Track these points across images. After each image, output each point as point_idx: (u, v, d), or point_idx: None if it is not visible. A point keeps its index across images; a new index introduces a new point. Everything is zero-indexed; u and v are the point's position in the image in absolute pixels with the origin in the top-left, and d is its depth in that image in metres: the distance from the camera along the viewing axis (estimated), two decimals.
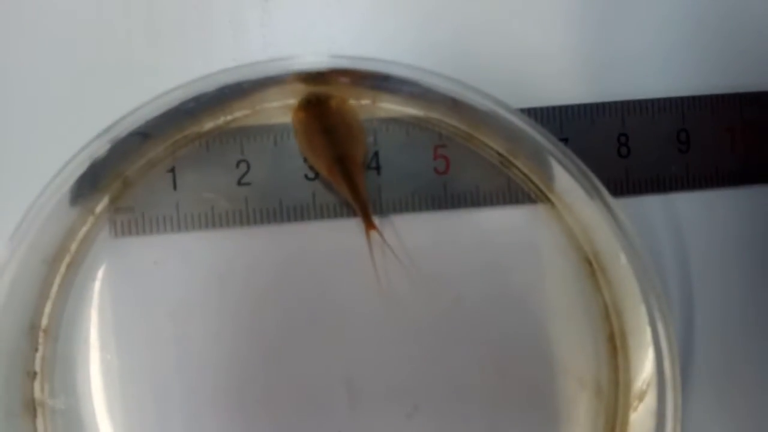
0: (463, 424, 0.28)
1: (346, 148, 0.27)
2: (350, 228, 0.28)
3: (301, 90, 0.27)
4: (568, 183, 0.27)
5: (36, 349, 0.27)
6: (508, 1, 0.30)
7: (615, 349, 0.28)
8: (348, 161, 0.27)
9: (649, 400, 0.27)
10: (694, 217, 0.30)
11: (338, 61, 0.25)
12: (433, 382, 0.28)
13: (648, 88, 0.30)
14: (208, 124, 0.28)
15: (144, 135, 0.27)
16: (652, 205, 0.30)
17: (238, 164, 0.28)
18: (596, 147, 0.30)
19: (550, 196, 0.28)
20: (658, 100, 0.30)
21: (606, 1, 0.30)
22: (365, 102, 0.28)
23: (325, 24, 0.29)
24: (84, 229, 0.27)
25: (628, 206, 0.30)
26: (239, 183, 0.28)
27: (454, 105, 0.27)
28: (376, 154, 0.28)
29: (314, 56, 0.25)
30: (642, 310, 0.27)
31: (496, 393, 0.28)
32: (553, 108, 0.29)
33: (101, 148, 0.26)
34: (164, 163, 0.28)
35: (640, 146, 0.30)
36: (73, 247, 0.27)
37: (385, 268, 0.28)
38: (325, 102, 0.27)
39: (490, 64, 0.30)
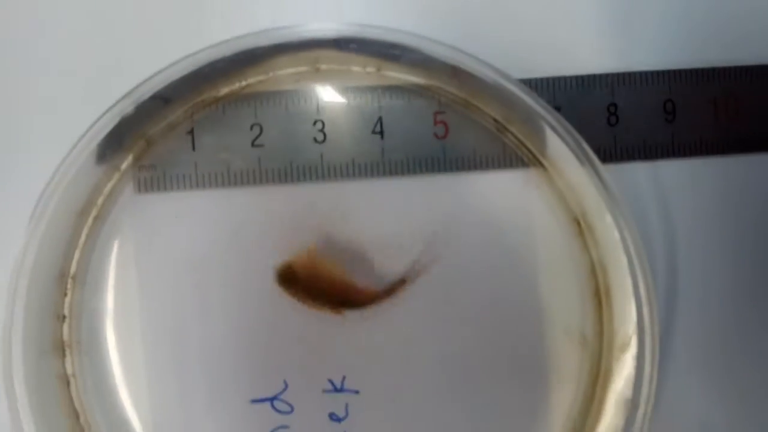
0: (454, 373, 0.30)
1: (329, 299, 0.29)
2: (355, 188, 0.30)
3: (312, 57, 0.29)
4: (559, 148, 0.29)
5: (65, 295, 0.29)
6: None
7: (600, 302, 0.30)
8: (345, 303, 0.29)
9: (632, 350, 0.29)
10: (679, 184, 0.32)
11: (346, 28, 0.27)
12: (427, 334, 0.30)
13: (637, 60, 0.32)
14: (224, 89, 0.29)
15: (165, 99, 0.29)
16: (639, 171, 0.32)
17: (251, 127, 0.30)
18: (587, 116, 0.31)
19: (542, 160, 0.30)
20: (647, 72, 0.32)
21: None
22: (370, 70, 0.30)
23: None
24: (110, 185, 0.29)
25: (617, 172, 0.31)
26: (253, 144, 0.30)
27: (454, 74, 0.29)
28: (380, 119, 0.30)
29: (322, 24, 0.27)
30: (624, 265, 0.28)
31: (487, 344, 0.30)
32: (547, 79, 0.31)
33: (126, 109, 0.28)
34: (184, 125, 0.29)
35: (629, 116, 0.32)
36: (100, 201, 0.29)
37: (385, 228, 0.30)
38: (293, 273, 0.29)
39: (487, 36, 0.31)
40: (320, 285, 0.29)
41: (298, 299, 0.29)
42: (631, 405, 0.28)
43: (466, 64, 0.28)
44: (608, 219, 0.29)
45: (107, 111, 0.28)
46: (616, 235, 0.28)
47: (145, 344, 0.29)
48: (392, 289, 0.30)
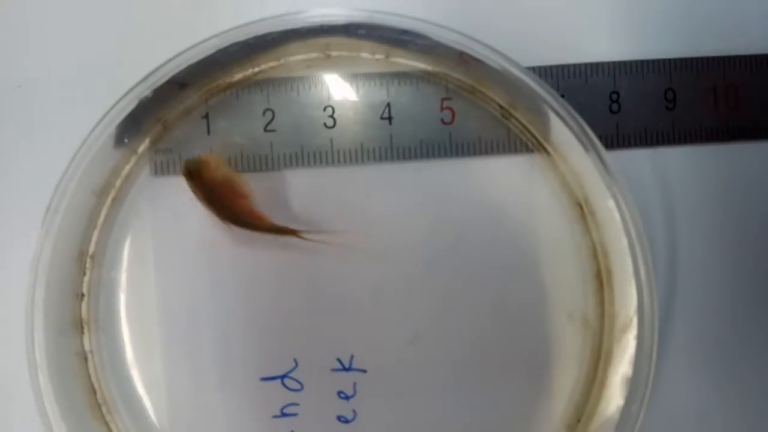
0: (459, 354, 0.31)
1: (233, 208, 0.29)
2: (364, 172, 0.31)
3: (323, 44, 0.30)
4: (563, 134, 0.30)
5: (84, 273, 0.30)
6: None
7: (601, 285, 0.31)
8: (242, 216, 0.29)
9: (632, 331, 0.30)
10: (679, 170, 0.33)
11: (356, 14, 0.28)
12: (432, 315, 0.31)
13: (639, 49, 0.32)
14: (238, 75, 0.30)
15: (181, 84, 0.29)
16: (641, 158, 0.32)
17: (264, 112, 0.31)
18: (590, 103, 0.32)
19: (546, 146, 0.31)
20: (648, 61, 0.32)
21: None
22: (379, 56, 0.31)
23: None
24: (128, 167, 0.30)
25: (619, 159, 0.32)
26: (265, 130, 0.31)
27: (461, 60, 0.30)
28: (388, 105, 0.31)
29: (332, 9, 0.28)
30: (625, 248, 0.29)
31: (491, 325, 0.31)
32: (551, 67, 0.32)
33: (143, 93, 0.28)
34: (199, 110, 0.30)
35: (630, 103, 0.32)
36: (118, 183, 0.30)
37: (393, 210, 0.31)
38: (198, 173, 0.29)
39: (492, 25, 0.32)
40: (219, 191, 0.29)
41: (195, 195, 0.29)
42: (632, 384, 0.29)
43: (473, 49, 0.29)
44: (610, 203, 0.29)
45: (125, 95, 0.29)
46: (618, 219, 0.29)
47: (159, 323, 0.30)
48: (281, 230, 0.30)
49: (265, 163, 0.31)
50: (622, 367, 0.30)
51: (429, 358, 0.31)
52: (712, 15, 0.33)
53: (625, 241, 0.29)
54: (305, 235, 0.30)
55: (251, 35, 0.28)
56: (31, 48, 0.31)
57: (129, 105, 0.28)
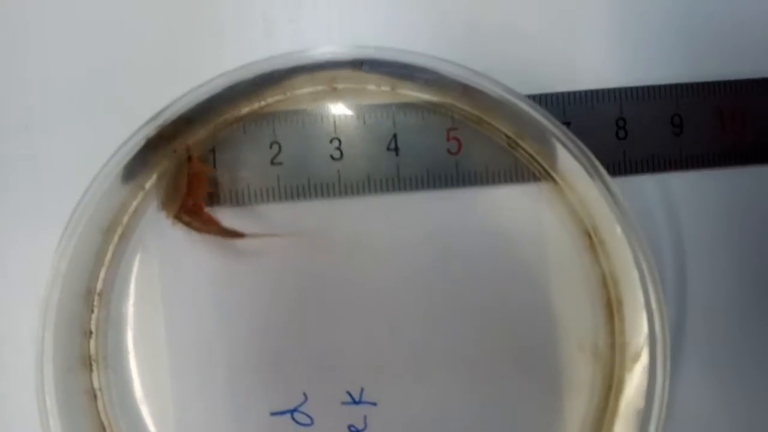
0: (470, 385, 0.31)
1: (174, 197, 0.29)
2: (372, 204, 0.31)
3: (329, 77, 0.30)
4: (570, 163, 0.30)
5: (92, 311, 0.30)
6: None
7: (612, 314, 0.30)
8: (185, 211, 0.29)
9: (643, 361, 0.30)
10: (687, 196, 0.32)
11: (360, 51, 0.28)
12: (442, 347, 0.31)
13: (644, 75, 0.32)
14: (245, 109, 0.30)
15: (188, 119, 0.29)
16: (648, 184, 0.32)
17: (271, 145, 0.31)
18: (596, 130, 0.32)
19: (553, 174, 0.31)
20: (654, 86, 0.32)
21: None
22: (385, 89, 0.30)
23: (350, 20, 0.32)
24: (135, 203, 0.30)
25: (626, 185, 0.32)
26: (272, 162, 0.31)
27: (466, 91, 0.30)
28: (394, 136, 0.31)
29: (337, 48, 0.28)
30: (635, 277, 0.29)
31: (502, 357, 0.31)
32: (556, 94, 0.32)
33: (151, 133, 0.28)
34: (205, 144, 0.30)
35: (637, 130, 0.32)
36: (125, 219, 0.30)
37: (401, 241, 0.31)
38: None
39: (498, 54, 0.32)
40: (182, 182, 0.29)
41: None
42: (644, 415, 0.29)
43: (477, 82, 0.29)
44: (619, 232, 0.29)
45: (133, 135, 0.29)
46: (627, 248, 0.29)
47: (168, 359, 0.30)
48: (229, 232, 0.30)
49: (272, 195, 0.31)
50: (634, 397, 0.30)
51: (439, 391, 0.31)
52: (717, 39, 0.33)
53: (635, 271, 0.29)
54: (251, 237, 0.30)
55: (258, 73, 0.28)
56: (35, 88, 0.31)
57: (137, 144, 0.28)
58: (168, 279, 0.30)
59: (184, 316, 0.30)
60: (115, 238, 0.30)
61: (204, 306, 0.30)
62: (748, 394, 0.32)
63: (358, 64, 0.29)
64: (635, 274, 0.29)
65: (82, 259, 0.29)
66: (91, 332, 0.30)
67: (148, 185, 0.30)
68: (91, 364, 0.30)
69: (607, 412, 0.30)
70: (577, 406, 0.31)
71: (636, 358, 0.30)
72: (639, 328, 0.30)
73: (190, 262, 0.30)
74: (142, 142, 0.28)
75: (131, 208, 0.30)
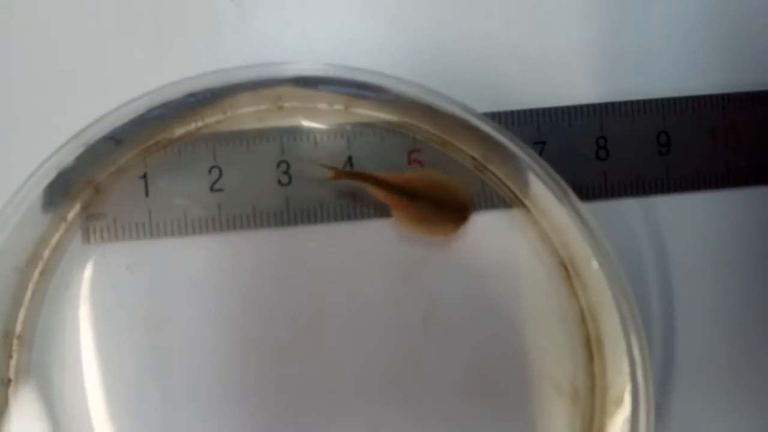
0: (441, 428, 0.28)
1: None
2: (324, 233, 0.28)
3: (274, 95, 0.27)
4: (541, 188, 0.27)
5: (10, 356, 0.27)
6: (483, 8, 0.30)
7: (591, 354, 0.28)
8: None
9: (626, 406, 0.27)
10: (674, 221, 0.30)
11: (306, 67, 0.25)
12: (410, 386, 0.28)
13: (627, 89, 0.30)
14: (179, 130, 0.28)
15: (116, 141, 0.27)
16: (632, 208, 0.30)
17: (210, 170, 0.28)
18: (574, 150, 0.29)
19: (524, 200, 0.28)
20: (638, 101, 0.30)
21: (580, 5, 0.30)
22: (338, 107, 0.28)
23: (300, 28, 0.29)
24: (56, 236, 0.27)
25: (607, 210, 0.30)
26: (212, 189, 0.28)
27: (429, 110, 0.27)
28: (349, 159, 0.28)
29: (285, 64, 0.25)
30: (615, 316, 0.26)
31: (473, 397, 0.28)
32: (531, 111, 0.29)
33: (72, 154, 0.26)
34: (136, 170, 0.28)
35: (619, 149, 0.30)
36: (46, 253, 0.27)
37: (357, 274, 0.28)
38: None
39: (470, 67, 0.29)
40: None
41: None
42: None
43: (437, 103, 0.26)
44: (594, 264, 0.27)
45: (52, 155, 0.26)
46: (604, 282, 0.27)
47: (98, 407, 0.27)
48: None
49: (212, 225, 0.28)
50: None
51: None
52: (707, 49, 0.30)
53: (613, 306, 0.27)
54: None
55: (194, 90, 0.25)
56: None
57: (55, 166, 0.26)
58: (97, 320, 0.27)
59: (115, 361, 0.28)
60: (35, 275, 0.27)
61: (138, 350, 0.28)
62: None
63: (303, 82, 0.26)
64: (615, 312, 0.27)
65: None
66: (9, 380, 0.27)
67: (70, 216, 0.27)
68: (10, 416, 0.27)
69: None
70: None
71: (618, 402, 0.27)
72: (621, 371, 0.27)
73: (122, 301, 0.28)
74: (63, 165, 0.25)
75: (53, 242, 0.27)
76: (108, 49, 0.29)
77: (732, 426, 0.30)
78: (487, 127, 0.26)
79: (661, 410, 0.29)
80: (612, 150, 0.30)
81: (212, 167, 0.28)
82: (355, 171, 0.28)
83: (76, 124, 0.26)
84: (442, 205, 0.28)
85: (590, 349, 0.28)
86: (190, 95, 0.26)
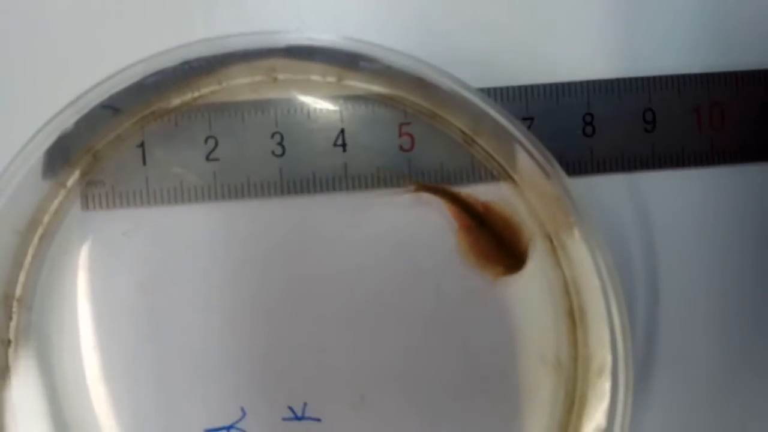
0: (422, 401, 0.29)
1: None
2: (316, 204, 0.29)
3: (268, 67, 0.28)
4: (529, 162, 0.28)
5: (10, 318, 0.28)
6: None
7: (574, 324, 0.29)
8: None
9: (607, 376, 0.27)
10: (659, 197, 0.30)
11: (298, 37, 0.26)
12: (396, 355, 0.29)
13: (614, 67, 0.30)
14: (176, 100, 0.28)
15: (114, 109, 0.27)
16: (618, 184, 0.30)
17: (206, 140, 0.28)
18: (561, 126, 0.30)
19: (512, 174, 0.29)
20: (624, 79, 0.30)
21: None
22: (331, 79, 0.28)
23: (295, 2, 0.30)
24: (56, 202, 0.28)
25: (593, 185, 0.30)
26: (208, 158, 0.28)
27: (419, 83, 0.28)
28: (341, 131, 0.29)
29: (274, 34, 0.26)
30: (596, 285, 0.27)
31: (455, 369, 0.29)
32: (519, 87, 0.30)
33: (69, 120, 0.26)
34: (134, 138, 0.28)
35: (606, 126, 0.30)
36: (46, 219, 0.28)
37: (346, 244, 0.29)
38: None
39: (458, 43, 0.30)
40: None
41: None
42: None
43: (427, 74, 0.26)
44: (577, 235, 0.27)
45: (50, 120, 0.26)
46: (587, 253, 0.27)
47: (95, 369, 0.28)
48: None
49: (207, 194, 0.28)
50: (595, 415, 0.27)
51: (388, 407, 0.29)
52: (693, 28, 0.31)
53: (596, 279, 0.27)
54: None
55: (188, 58, 0.26)
56: None
57: (54, 133, 0.26)
58: (94, 284, 0.28)
59: (111, 324, 0.28)
60: (35, 240, 0.28)
61: (134, 313, 0.28)
62: (724, 410, 0.30)
63: (297, 52, 0.26)
64: (596, 281, 0.27)
65: None
66: (9, 341, 0.28)
67: (69, 182, 0.28)
68: (10, 375, 0.28)
69: (569, 430, 0.28)
70: (538, 423, 0.29)
71: (601, 372, 0.28)
72: (603, 340, 0.28)
73: (118, 265, 0.28)
74: (60, 131, 0.26)
75: (52, 208, 0.28)
76: (107, 19, 0.29)
77: (715, 396, 0.30)
78: (477, 100, 0.26)
79: (642, 381, 0.29)
80: (599, 126, 0.30)
81: (208, 137, 0.28)
82: (435, 185, 0.28)
83: (75, 92, 0.26)
84: (504, 243, 0.29)
85: (573, 319, 0.29)
86: (185, 63, 0.26)
